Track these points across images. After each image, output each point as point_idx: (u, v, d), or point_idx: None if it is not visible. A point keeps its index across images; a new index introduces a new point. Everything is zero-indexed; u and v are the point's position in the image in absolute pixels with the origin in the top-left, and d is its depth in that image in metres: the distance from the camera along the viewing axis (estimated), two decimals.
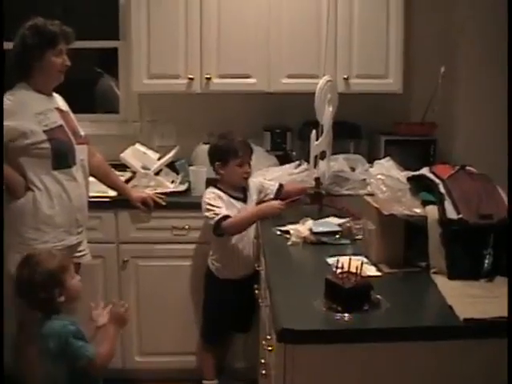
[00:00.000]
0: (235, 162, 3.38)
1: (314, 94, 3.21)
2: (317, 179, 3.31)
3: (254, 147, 3.55)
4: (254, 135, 3.64)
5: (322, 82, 3.21)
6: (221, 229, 3.27)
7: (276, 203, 3.26)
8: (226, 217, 3.26)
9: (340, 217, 3.00)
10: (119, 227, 3.70)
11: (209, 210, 3.32)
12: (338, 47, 3.87)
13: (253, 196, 3.50)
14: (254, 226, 3.38)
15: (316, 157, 3.27)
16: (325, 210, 3.22)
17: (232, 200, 3.41)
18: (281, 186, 3.57)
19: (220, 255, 3.48)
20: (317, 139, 3.23)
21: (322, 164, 3.33)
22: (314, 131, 3.19)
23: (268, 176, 3.71)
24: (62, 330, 2.52)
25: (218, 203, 3.33)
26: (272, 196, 3.52)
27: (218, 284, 3.51)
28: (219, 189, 3.43)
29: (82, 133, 3.24)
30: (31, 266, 2.55)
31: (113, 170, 3.62)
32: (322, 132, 3.24)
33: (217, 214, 3.28)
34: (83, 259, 3.30)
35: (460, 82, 4.12)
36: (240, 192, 3.46)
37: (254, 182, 3.54)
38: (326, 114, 3.22)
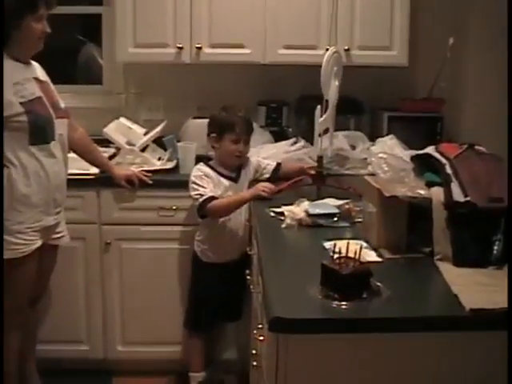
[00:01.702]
0: (230, 136, 3.37)
1: (312, 66, 3.18)
2: (319, 158, 3.29)
3: None
4: (247, 110, 3.61)
5: (328, 53, 3.17)
6: (204, 211, 3.29)
7: (260, 186, 3.25)
8: (212, 198, 3.26)
9: (339, 198, 2.99)
10: (101, 207, 3.68)
11: (194, 189, 3.33)
12: (339, 16, 3.81)
13: (248, 175, 3.50)
14: (245, 206, 3.37)
15: (320, 134, 3.25)
16: (323, 190, 3.21)
17: (221, 178, 3.41)
18: (278, 165, 3.56)
19: (206, 236, 3.48)
20: (321, 115, 3.21)
21: (323, 141, 3.30)
22: (318, 107, 3.17)
23: (262, 153, 3.70)
24: None
25: (204, 183, 3.33)
26: (268, 176, 3.52)
27: (202, 268, 3.52)
28: (209, 166, 3.43)
29: (62, 105, 3.21)
30: None
31: (95, 145, 3.59)
32: (326, 108, 3.22)
33: (201, 195, 3.29)
34: (61, 241, 3.29)
35: (470, 54, 4.10)
36: (233, 171, 3.45)
37: (251, 160, 3.54)
38: (331, 89, 3.19)
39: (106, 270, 3.75)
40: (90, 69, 4.60)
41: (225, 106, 3.48)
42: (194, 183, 3.35)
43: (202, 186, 3.32)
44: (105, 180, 3.61)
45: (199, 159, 3.58)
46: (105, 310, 3.78)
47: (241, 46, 3.88)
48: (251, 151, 3.59)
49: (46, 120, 3.04)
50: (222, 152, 3.42)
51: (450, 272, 2.22)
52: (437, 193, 2.37)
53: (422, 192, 2.39)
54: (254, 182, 3.46)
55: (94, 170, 3.63)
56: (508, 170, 2.37)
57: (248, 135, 3.44)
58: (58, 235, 3.25)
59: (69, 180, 3.24)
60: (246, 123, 3.42)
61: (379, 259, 2.37)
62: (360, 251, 2.09)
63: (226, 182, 3.41)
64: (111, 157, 3.85)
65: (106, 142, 3.90)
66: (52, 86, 3.22)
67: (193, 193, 3.34)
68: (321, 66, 3.10)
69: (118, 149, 3.90)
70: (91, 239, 3.71)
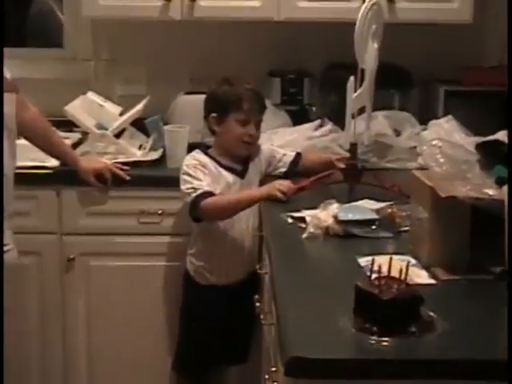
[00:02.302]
0: (237, 116, 3.39)
1: (342, 23, 3.19)
2: (353, 146, 3.29)
3: None
4: (257, 82, 3.63)
5: (365, 5, 3.17)
6: (198, 210, 3.29)
7: (276, 184, 3.25)
8: (209, 194, 3.27)
9: (378, 200, 2.98)
10: (63, 211, 3.70)
11: (186, 181, 3.34)
12: None
13: (259, 169, 3.53)
14: (253, 209, 3.39)
15: (353, 115, 3.25)
16: (358, 189, 3.20)
17: (222, 171, 3.42)
18: (298, 155, 3.58)
19: (201, 249, 3.50)
20: (355, 90, 3.21)
21: (358, 124, 3.31)
22: (351, 78, 3.17)
23: (277, 140, 3.70)
24: None
25: (199, 174, 3.34)
26: (285, 170, 3.54)
27: (197, 292, 3.53)
28: (207, 155, 3.44)
29: (8, 75, 3.21)
30: None
31: (54, 129, 3.60)
32: (362, 80, 3.22)
33: (195, 189, 3.28)
34: (6, 257, 3.27)
35: None
36: (238, 163, 3.47)
37: (262, 149, 3.56)
38: (369, 54, 3.19)
39: (69, 295, 3.76)
40: (46, 27, 4.60)
41: (227, 78, 3.49)
42: (187, 174, 3.35)
43: (197, 178, 3.32)
44: (67, 175, 3.63)
45: (193, 148, 3.58)
46: (66, 349, 3.80)
47: None
48: (262, 137, 3.59)
49: None
50: (227, 138, 3.42)
51: None
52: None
53: (491, 192, 2.39)
54: (268, 178, 3.47)
55: (53, 163, 3.65)
56: (508, 171, 2.36)
57: (260, 115, 3.45)
58: (4, 248, 3.25)
59: (18, 175, 3.23)
60: (256, 98, 3.44)
61: (432, 281, 2.36)
62: (407, 270, 2.08)
63: (228, 177, 3.42)
64: (76, 144, 3.86)
65: (68, 125, 3.92)
66: None
67: (184, 186, 3.34)
68: (354, 24, 3.10)
69: (86, 134, 3.91)
70: (49, 254, 3.72)
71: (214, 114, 3.43)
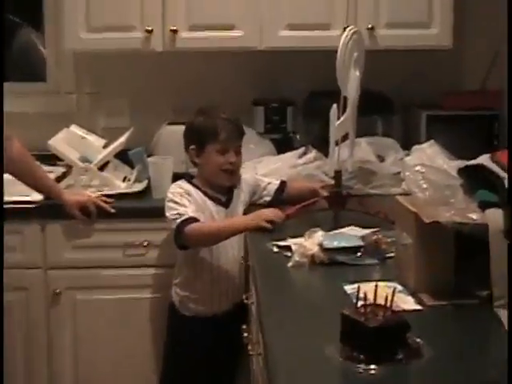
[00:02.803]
0: (214, 146, 3.39)
1: (324, 51, 3.21)
2: (337, 173, 3.29)
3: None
4: (240, 111, 3.63)
5: (346, 34, 3.19)
6: (183, 236, 3.27)
7: (262, 214, 3.25)
8: (193, 220, 3.26)
9: (363, 226, 2.99)
10: (47, 245, 3.69)
11: (171, 208, 3.33)
12: None
13: (243, 198, 3.51)
14: (239, 238, 3.38)
15: (337, 142, 3.26)
16: (343, 216, 3.21)
17: (207, 200, 3.41)
18: (282, 183, 3.58)
19: (186, 278, 3.48)
20: (338, 117, 3.22)
21: (342, 151, 3.31)
22: (334, 106, 3.18)
23: (261, 169, 3.70)
24: None
25: (185, 201, 3.33)
26: (269, 198, 3.54)
27: (182, 324, 3.51)
28: (192, 184, 3.44)
29: None
30: None
31: (38, 163, 3.60)
32: (344, 107, 3.23)
33: (180, 215, 3.28)
34: None
35: None
36: (222, 192, 3.46)
37: (246, 178, 3.56)
38: (351, 81, 3.20)
39: (55, 329, 3.74)
40: (29, 60, 4.60)
41: (202, 109, 3.49)
42: (172, 201, 3.34)
43: (183, 205, 3.31)
44: (51, 209, 3.62)
45: (177, 178, 3.58)
46: (52, 383, 3.77)
47: (230, 28, 3.91)
48: (246, 166, 3.60)
49: None
50: (208, 168, 3.42)
51: None
52: (494, 217, 2.36)
53: (474, 216, 2.39)
54: (253, 207, 3.47)
55: (37, 197, 3.63)
56: (508, 172, 2.37)
57: (238, 141, 3.45)
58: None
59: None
60: (233, 126, 3.43)
61: (418, 307, 2.36)
62: (393, 296, 2.08)
63: (213, 207, 3.41)
64: (60, 178, 3.85)
65: (52, 159, 3.91)
66: None
67: (169, 213, 3.33)
68: (336, 52, 3.12)
69: (70, 167, 3.90)
70: (34, 289, 3.71)
71: (192, 146, 3.43)
